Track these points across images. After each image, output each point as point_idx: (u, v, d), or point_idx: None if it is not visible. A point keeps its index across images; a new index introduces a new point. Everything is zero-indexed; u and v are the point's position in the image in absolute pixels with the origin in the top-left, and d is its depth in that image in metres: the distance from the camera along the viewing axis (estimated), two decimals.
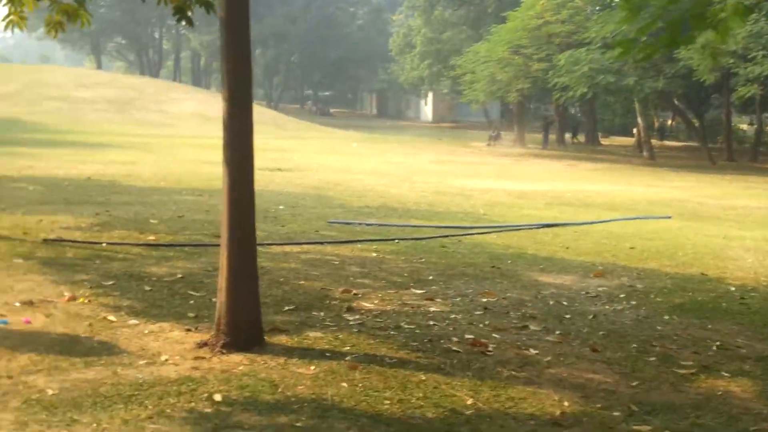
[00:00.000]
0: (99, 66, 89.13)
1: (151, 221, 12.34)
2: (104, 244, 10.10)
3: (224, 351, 6.01)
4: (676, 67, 33.43)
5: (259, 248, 6.88)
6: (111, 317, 6.85)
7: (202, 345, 6.14)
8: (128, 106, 52.76)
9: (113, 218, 12.47)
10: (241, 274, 6.15)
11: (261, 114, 55.61)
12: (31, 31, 61.82)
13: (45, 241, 10.10)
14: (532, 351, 6.47)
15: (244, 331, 6.14)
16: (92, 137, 34.93)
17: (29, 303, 7.17)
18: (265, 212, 13.39)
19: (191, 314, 7.11)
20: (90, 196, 15.15)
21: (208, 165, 24.00)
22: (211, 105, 55.57)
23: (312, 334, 6.67)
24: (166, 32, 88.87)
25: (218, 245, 10.42)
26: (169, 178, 19.77)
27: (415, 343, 6.52)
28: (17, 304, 7.13)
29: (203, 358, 5.90)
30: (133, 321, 6.79)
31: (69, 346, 6.03)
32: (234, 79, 6.03)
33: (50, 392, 5.06)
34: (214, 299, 7.57)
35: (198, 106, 54.46)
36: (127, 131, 41.30)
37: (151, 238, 10.81)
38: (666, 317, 7.80)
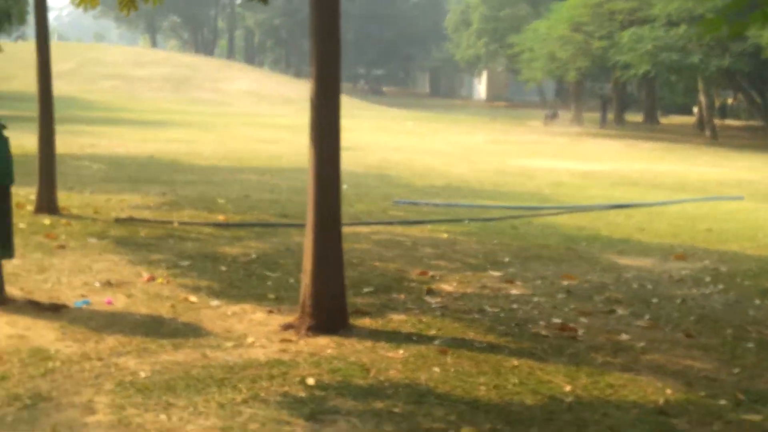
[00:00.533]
0: (154, 44, 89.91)
1: (219, 200, 12.32)
2: (176, 224, 10.08)
3: (310, 334, 5.91)
4: (744, 45, 32.49)
5: None
6: (192, 298, 6.80)
7: (287, 327, 6.04)
8: (183, 84, 53.12)
9: (180, 197, 12.48)
10: (326, 255, 6.04)
11: None
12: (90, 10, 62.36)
13: (117, 220, 10.11)
14: (624, 336, 6.27)
15: (330, 313, 6.03)
16: (149, 115, 35.20)
17: (109, 283, 7.16)
18: None
19: (271, 295, 7.02)
20: (154, 175, 15.20)
21: (265, 144, 24.06)
22: (265, 84, 55.78)
23: (395, 316, 6.54)
24: (221, 11, 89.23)
25: (288, 225, 10.43)
26: (230, 156, 19.79)
27: (502, 327, 6.36)
28: (97, 284, 7.11)
29: (290, 340, 5.80)
30: (214, 302, 6.73)
31: (154, 328, 5.97)
32: (323, 59, 5.89)
33: (143, 375, 5.00)
34: (291, 280, 7.52)
35: (251, 85, 54.65)
36: (183, 109, 41.56)
37: (221, 217, 10.78)
38: (757, 301, 7.53)
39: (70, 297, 6.65)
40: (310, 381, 5.02)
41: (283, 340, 5.79)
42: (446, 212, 12.50)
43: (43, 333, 5.71)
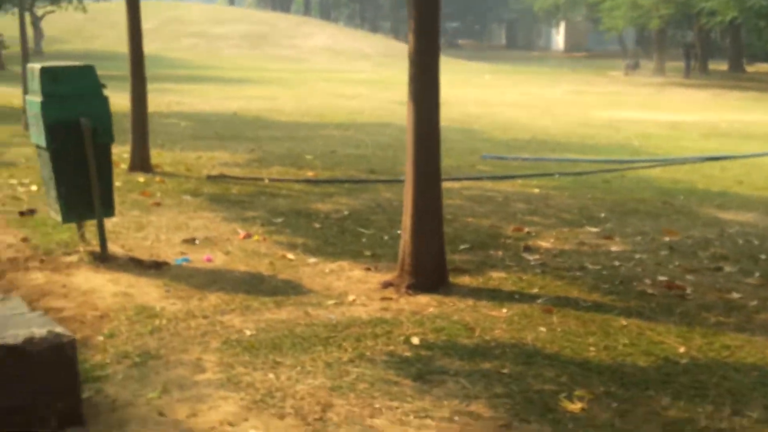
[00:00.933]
0: (231, 2, 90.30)
1: (306, 156, 12.31)
2: (266, 180, 10.11)
3: (410, 292, 5.84)
4: None
5: None
6: (289, 255, 6.79)
7: (386, 285, 5.98)
8: (261, 41, 53.27)
9: (267, 153, 12.51)
10: (426, 212, 5.94)
11: (390, 47, 55.29)
12: None
13: (209, 177, 10.18)
14: (735, 295, 6.04)
15: (430, 271, 5.95)
16: (229, 73, 35.43)
17: (206, 240, 7.20)
18: None
19: (367, 252, 6.97)
20: (239, 132, 15.28)
21: (344, 99, 23.98)
22: (341, 39, 55.60)
23: (495, 274, 6.42)
24: None
25: (377, 182, 10.35)
26: (311, 112, 19.78)
27: (606, 285, 6.19)
28: (196, 242, 7.16)
29: (390, 298, 5.74)
30: (311, 259, 6.71)
31: (255, 285, 5.98)
32: (422, 12, 5.73)
33: (248, 333, 5.01)
34: (385, 237, 7.46)
35: (328, 41, 54.52)
36: (262, 66, 41.72)
37: (310, 174, 10.76)
38: None
39: (169, 254, 6.71)
40: (415, 340, 4.96)
41: (384, 299, 5.74)
42: (535, 166, 12.26)
43: (147, 290, 5.77)
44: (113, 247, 6.67)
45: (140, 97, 10.37)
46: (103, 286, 5.81)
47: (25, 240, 6.97)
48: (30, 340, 3.72)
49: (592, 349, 4.90)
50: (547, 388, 4.34)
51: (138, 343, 4.83)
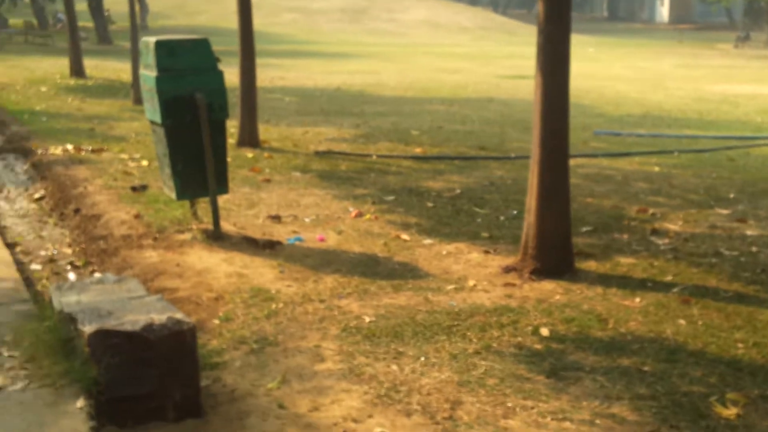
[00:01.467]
0: None
1: (412, 132, 12.04)
2: (374, 157, 9.88)
3: (534, 277, 5.52)
4: None
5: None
6: (404, 236, 6.54)
7: (508, 270, 5.68)
8: (360, 15, 53.10)
9: (373, 129, 12.28)
10: (553, 193, 5.59)
11: (488, 20, 54.44)
12: None
13: (317, 153, 10.01)
14: None
15: (555, 255, 5.61)
16: (330, 47, 35.35)
17: (318, 219, 7.02)
18: (522, 123, 12.73)
19: (484, 234, 6.67)
20: (344, 107, 15.10)
21: (446, 73, 23.57)
22: (440, 12, 54.95)
23: (622, 259, 6.03)
24: None
25: (487, 158, 10.01)
26: (415, 86, 19.47)
27: (746, 274, 5.73)
28: (307, 220, 6.98)
29: (513, 284, 5.44)
30: (427, 240, 6.45)
31: (370, 267, 5.76)
32: None
33: (367, 319, 4.78)
34: (501, 217, 7.15)
35: (427, 14, 53.96)
36: (361, 40, 41.54)
37: (418, 150, 10.49)
38: None
39: (282, 233, 6.54)
40: (544, 331, 4.64)
41: (507, 284, 5.43)
42: (652, 143, 11.70)
43: (262, 271, 5.60)
44: (226, 225, 6.54)
45: (249, 71, 10.25)
46: (217, 266, 5.67)
47: (137, 216, 6.92)
48: (149, 327, 3.56)
49: (740, 345, 4.49)
50: (696, 389, 3.97)
51: (255, 328, 4.65)
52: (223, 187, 6.36)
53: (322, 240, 6.43)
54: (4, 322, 4.33)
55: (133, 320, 3.61)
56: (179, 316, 3.69)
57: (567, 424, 3.64)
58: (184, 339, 3.61)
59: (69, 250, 6.58)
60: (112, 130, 11.84)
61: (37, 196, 8.45)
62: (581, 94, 18.39)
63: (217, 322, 4.73)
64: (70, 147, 10.18)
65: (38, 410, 3.43)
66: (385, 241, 6.38)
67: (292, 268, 5.67)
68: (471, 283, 5.46)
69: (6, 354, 3.92)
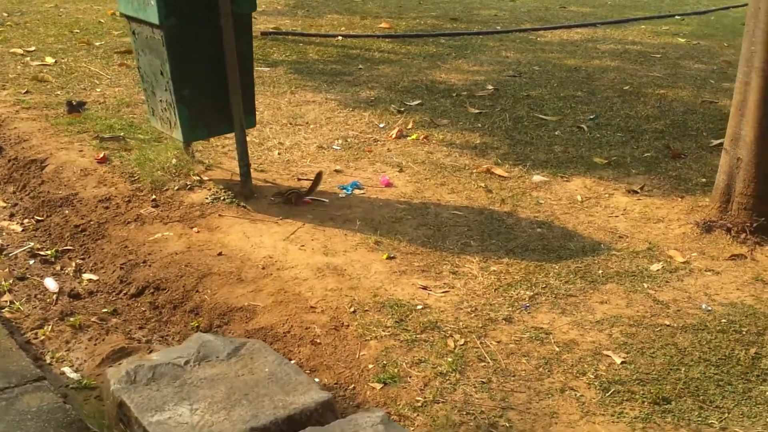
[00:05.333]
0: None
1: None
2: (339, 38, 7.68)
3: (757, 239, 3.80)
4: None
5: None
6: (497, 171, 4.64)
7: (707, 227, 3.93)
8: None
9: None
10: None
11: None
12: None
13: (263, 34, 7.68)
14: None
15: None
16: None
17: (348, 144, 4.96)
18: None
19: (597, 159, 4.87)
20: None
21: None
22: None
23: None
24: None
25: (477, 34, 8.03)
26: None
27: None
28: (336, 147, 4.90)
29: (740, 255, 3.70)
30: (534, 177, 4.58)
31: (501, 234, 3.85)
32: None
33: (618, 360, 2.90)
34: (584, 127, 5.41)
35: None
36: None
37: (384, 25, 8.34)
38: None
39: (317, 174, 4.44)
40: None
41: (733, 257, 3.68)
42: None
43: (363, 262, 3.55)
44: (234, 168, 4.33)
45: None
46: (284, 254, 3.56)
47: (104, 160, 4.56)
48: None
49: None
50: None
51: (455, 397, 2.67)
52: (251, 116, 4.14)
53: (387, 184, 4.40)
54: None
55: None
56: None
57: None
58: None
59: (16, 227, 4.14)
60: None
61: None
62: None
63: (377, 388, 2.73)
64: None
65: None
66: (479, 182, 4.44)
67: (396, 248, 3.65)
68: (677, 257, 3.67)
69: None
